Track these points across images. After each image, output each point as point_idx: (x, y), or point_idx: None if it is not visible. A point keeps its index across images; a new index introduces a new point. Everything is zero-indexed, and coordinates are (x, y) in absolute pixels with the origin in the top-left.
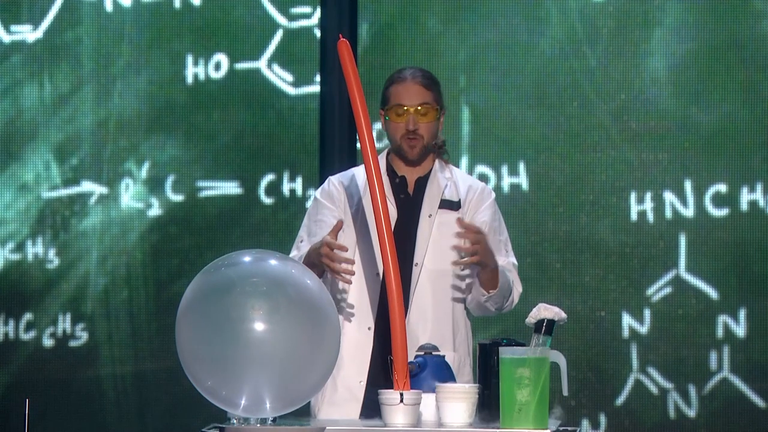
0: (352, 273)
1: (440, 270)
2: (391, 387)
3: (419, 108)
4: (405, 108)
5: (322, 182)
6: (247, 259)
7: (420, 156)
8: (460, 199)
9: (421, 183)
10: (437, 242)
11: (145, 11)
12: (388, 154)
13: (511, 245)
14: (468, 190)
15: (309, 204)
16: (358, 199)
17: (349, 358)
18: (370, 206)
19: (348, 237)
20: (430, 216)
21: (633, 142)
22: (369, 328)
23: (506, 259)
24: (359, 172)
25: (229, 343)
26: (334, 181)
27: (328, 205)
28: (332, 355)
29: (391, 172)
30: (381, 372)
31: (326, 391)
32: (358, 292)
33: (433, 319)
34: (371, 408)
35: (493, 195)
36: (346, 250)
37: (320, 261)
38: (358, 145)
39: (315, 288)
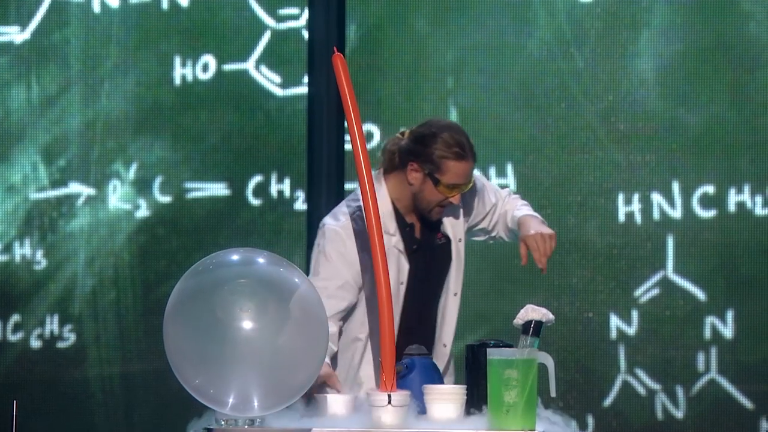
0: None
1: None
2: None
3: (467, 185)
4: (461, 188)
5: (309, 184)
6: (235, 258)
7: None
8: (463, 207)
9: (426, 221)
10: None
11: (132, 12)
12: (386, 190)
13: (495, 186)
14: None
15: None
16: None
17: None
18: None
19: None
20: (459, 240)
21: (621, 144)
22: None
23: (516, 203)
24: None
25: (216, 341)
26: (344, 238)
27: (343, 267)
28: (320, 354)
29: (400, 218)
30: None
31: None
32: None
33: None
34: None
35: (479, 179)
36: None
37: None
38: (347, 146)
39: (303, 287)
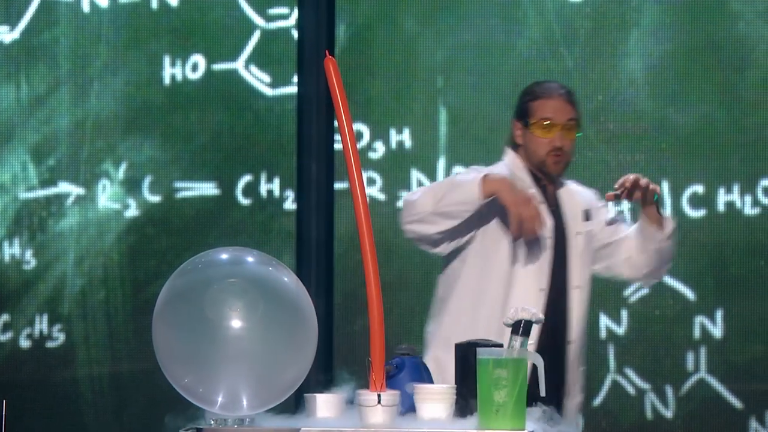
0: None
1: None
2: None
3: (567, 123)
4: (554, 124)
5: (299, 183)
6: (224, 257)
7: (562, 172)
8: (587, 209)
9: (555, 196)
10: (588, 260)
11: (122, 12)
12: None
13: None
14: (587, 199)
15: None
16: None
17: None
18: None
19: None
20: (578, 234)
21: (610, 143)
22: (541, 290)
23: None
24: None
25: (205, 340)
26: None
27: None
28: (309, 353)
29: (534, 175)
30: (549, 336)
31: None
32: (530, 257)
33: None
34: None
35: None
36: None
37: (525, 209)
38: (336, 146)
39: (292, 286)
